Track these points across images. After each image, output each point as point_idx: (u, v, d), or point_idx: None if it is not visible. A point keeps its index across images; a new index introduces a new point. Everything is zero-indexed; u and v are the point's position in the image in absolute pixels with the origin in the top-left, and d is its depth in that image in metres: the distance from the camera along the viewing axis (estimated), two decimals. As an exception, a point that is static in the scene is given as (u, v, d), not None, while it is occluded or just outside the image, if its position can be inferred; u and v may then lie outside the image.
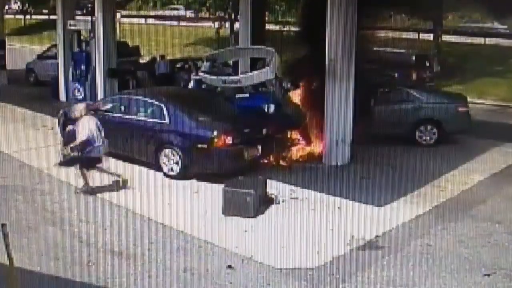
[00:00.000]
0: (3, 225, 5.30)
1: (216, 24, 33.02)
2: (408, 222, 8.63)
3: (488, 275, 6.91)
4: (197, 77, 13.62)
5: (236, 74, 14.85)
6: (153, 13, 39.47)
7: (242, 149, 10.39)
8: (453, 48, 26.82)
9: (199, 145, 10.18)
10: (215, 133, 10.17)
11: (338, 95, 11.39)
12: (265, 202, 9.06)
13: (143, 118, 11.07)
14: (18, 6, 44.75)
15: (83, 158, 9.45)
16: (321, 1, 11.27)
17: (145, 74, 18.59)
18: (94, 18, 16.43)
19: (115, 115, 11.39)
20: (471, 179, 10.72)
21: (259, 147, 10.72)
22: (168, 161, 10.45)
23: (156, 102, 11.04)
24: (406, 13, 23.66)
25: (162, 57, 20.72)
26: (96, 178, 9.68)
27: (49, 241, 7.74)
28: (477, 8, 23.42)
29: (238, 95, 12.60)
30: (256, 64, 14.64)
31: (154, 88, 15.36)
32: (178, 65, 19.61)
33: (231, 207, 8.62)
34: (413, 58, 21.94)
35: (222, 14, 31.69)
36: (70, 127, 10.39)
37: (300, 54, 13.39)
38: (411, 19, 25.99)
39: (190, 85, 14.14)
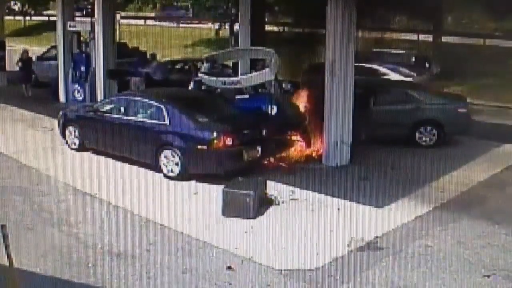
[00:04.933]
0: (2, 226, 5.29)
1: (216, 25, 33.03)
2: (408, 223, 8.62)
3: (488, 276, 6.91)
4: (197, 78, 13.60)
5: (236, 75, 14.84)
6: (152, 14, 39.49)
7: (241, 150, 10.39)
8: (452, 49, 26.80)
9: (199, 146, 10.18)
10: (214, 134, 10.17)
11: (337, 96, 11.39)
12: (264, 203, 9.05)
13: (142, 119, 11.07)
14: (18, 7, 44.69)
15: None
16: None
17: (142, 81, 16.10)
18: (93, 19, 16.42)
19: (115, 116, 11.40)
20: (471, 180, 10.71)
21: (259, 148, 10.72)
22: (168, 162, 10.44)
23: (155, 103, 11.04)
24: (405, 14, 23.67)
25: (153, 56, 17.84)
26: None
27: (48, 242, 7.73)
28: (476, 9, 23.42)
29: (238, 96, 12.58)
30: (255, 65, 14.63)
31: (154, 89, 15.30)
32: (177, 66, 19.52)
33: (230, 208, 8.61)
34: (413, 59, 21.96)
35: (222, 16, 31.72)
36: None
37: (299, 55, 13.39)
38: (411, 20, 25.97)
39: (190, 86, 14.12)
